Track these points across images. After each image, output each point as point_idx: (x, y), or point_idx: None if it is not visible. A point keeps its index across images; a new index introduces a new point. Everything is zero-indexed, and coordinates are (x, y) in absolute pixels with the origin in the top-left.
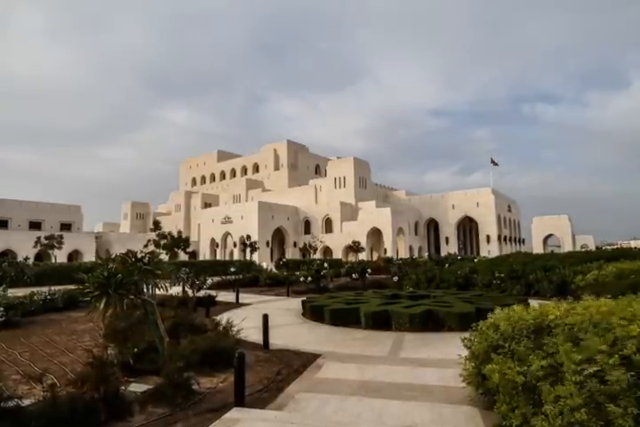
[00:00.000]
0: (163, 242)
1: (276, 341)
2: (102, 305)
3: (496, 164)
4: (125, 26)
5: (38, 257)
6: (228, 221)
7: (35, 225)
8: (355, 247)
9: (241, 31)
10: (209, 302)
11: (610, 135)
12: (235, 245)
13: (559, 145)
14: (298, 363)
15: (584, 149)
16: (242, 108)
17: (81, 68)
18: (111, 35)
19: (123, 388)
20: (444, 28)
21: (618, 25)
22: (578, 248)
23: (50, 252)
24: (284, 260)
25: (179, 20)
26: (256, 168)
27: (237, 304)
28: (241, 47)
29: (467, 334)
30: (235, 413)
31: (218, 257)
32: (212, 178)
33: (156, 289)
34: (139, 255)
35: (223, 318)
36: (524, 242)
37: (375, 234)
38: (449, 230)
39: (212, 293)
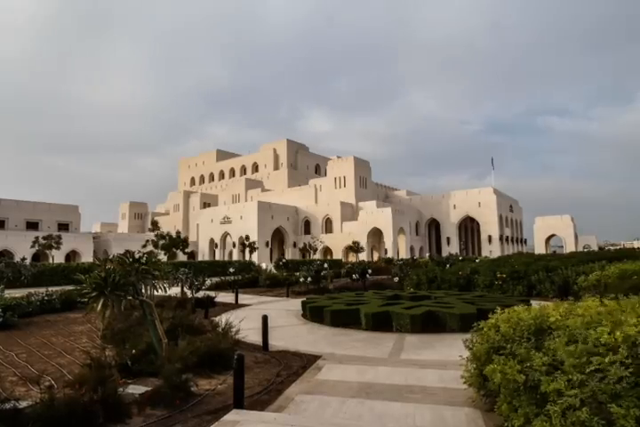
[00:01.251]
0: (161, 242)
1: (276, 342)
2: (100, 306)
3: (492, 166)
4: (195, 54)
5: (35, 258)
6: (227, 221)
7: (32, 225)
8: (355, 248)
9: (294, 59)
10: (208, 303)
11: (614, 142)
12: (234, 246)
13: (566, 151)
14: (297, 364)
15: (589, 155)
16: (282, 122)
17: (151, 89)
18: (185, 63)
19: (121, 390)
20: (474, 59)
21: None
22: (580, 249)
23: (47, 252)
24: (283, 260)
25: (241, 49)
26: (255, 168)
27: (236, 305)
28: (291, 71)
29: (468, 336)
30: (234, 415)
31: (217, 257)
32: (211, 178)
33: (155, 290)
34: (137, 256)
35: (222, 319)
36: (526, 242)
37: (376, 234)
38: (450, 230)
39: (211, 293)
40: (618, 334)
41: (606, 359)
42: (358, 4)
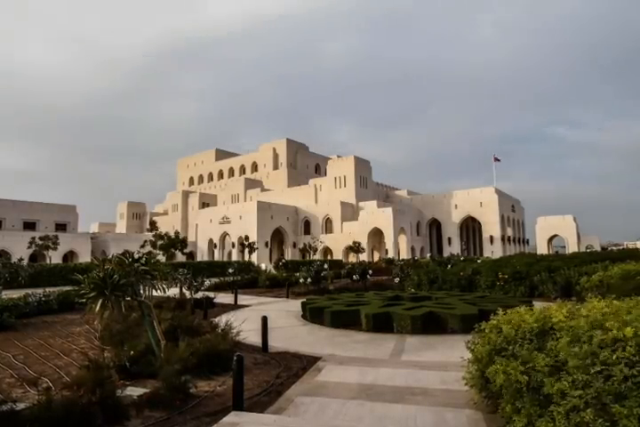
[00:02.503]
0: (159, 242)
1: (276, 343)
2: (98, 307)
3: (498, 160)
4: (254, 84)
5: (33, 258)
6: (226, 221)
7: (29, 225)
8: (355, 248)
9: (341, 86)
10: (207, 304)
11: (617, 148)
12: (233, 246)
13: (574, 157)
14: (297, 366)
15: (594, 158)
16: (312, 135)
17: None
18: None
19: (119, 391)
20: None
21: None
22: (583, 249)
23: (45, 252)
24: (283, 261)
25: (293, 77)
26: (255, 167)
27: (236, 306)
28: (336, 96)
29: (469, 337)
30: (233, 417)
31: (216, 258)
32: (210, 177)
33: (153, 291)
34: (135, 256)
35: (221, 320)
36: (528, 242)
37: (376, 234)
38: (451, 231)
39: (210, 294)
40: (628, 329)
41: (614, 356)
42: (395, 41)
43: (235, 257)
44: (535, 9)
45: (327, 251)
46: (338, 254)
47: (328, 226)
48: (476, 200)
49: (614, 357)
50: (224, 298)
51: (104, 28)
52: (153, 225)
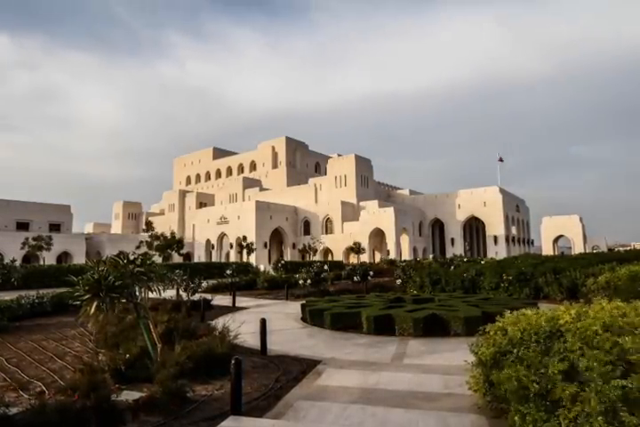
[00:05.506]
0: (155, 243)
1: (275, 346)
2: (93, 309)
3: (501, 160)
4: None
5: (26, 259)
6: (223, 221)
7: (22, 226)
8: (356, 249)
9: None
10: (204, 306)
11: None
12: (231, 247)
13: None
14: (297, 369)
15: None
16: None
17: None
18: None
19: (114, 395)
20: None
21: None
22: (589, 250)
23: (38, 253)
24: (282, 262)
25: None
26: (253, 166)
27: (234, 308)
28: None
29: (473, 340)
30: (231, 422)
31: (213, 259)
32: (208, 176)
33: (149, 292)
34: (131, 257)
35: (219, 322)
36: (533, 243)
37: (377, 235)
38: (455, 231)
39: (208, 296)
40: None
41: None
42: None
43: (233, 258)
44: None
45: (327, 252)
46: (338, 255)
47: (328, 226)
48: (479, 200)
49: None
50: (222, 300)
51: None
52: (148, 225)
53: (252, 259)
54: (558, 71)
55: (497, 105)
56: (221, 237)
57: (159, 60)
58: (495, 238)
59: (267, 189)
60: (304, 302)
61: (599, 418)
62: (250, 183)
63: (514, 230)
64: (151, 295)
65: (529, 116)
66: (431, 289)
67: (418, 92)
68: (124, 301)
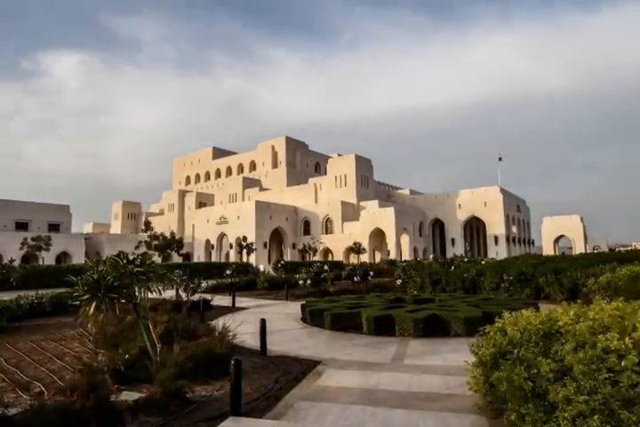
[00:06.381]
0: (155, 243)
1: (275, 347)
2: (92, 309)
3: (501, 159)
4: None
5: (25, 259)
6: (223, 221)
7: (21, 226)
8: (356, 249)
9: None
10: (204, 307)
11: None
12: (231, 247)
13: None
14: (297, 370)
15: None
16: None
17: None
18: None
19: (114, 396)
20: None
21: None
22: (590, 250)
23: (37, 254)
24: (282, 262)
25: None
26: (253, 166)
27: (234, 308)
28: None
29: (473, 340)
30: (231, 422)
31: (213, 259)
32: (207, 176)
33: (149, 293)
34: (130, 257)
35: (219, 322)
36: (533, 243)
37: (378, 235)
38: (455, 231)
39: (207, 296)
40: (627, 340)
41: (622, 363)
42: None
43: (232, 258)
44: None
45: (327, 252)
46: (338, 255)
47: (328, 226)
48: (480, 200)
49: (622, 363)
50: (221, 300)
51: None
52: (147, 225)
53: (252, 259)
54: (574, 87)
55: (504, 118)
56: (221, 237)
57: (199, 76)
58: (496, 238)
59: (266, 189)
60: (304, 302)
61: (595, 417)
62: (250, 183)
63: (514, 230)
64: (151, 296)
65: (538, 126)
66: (431, 289)
67: (434, 107)
68: (123, 301)
